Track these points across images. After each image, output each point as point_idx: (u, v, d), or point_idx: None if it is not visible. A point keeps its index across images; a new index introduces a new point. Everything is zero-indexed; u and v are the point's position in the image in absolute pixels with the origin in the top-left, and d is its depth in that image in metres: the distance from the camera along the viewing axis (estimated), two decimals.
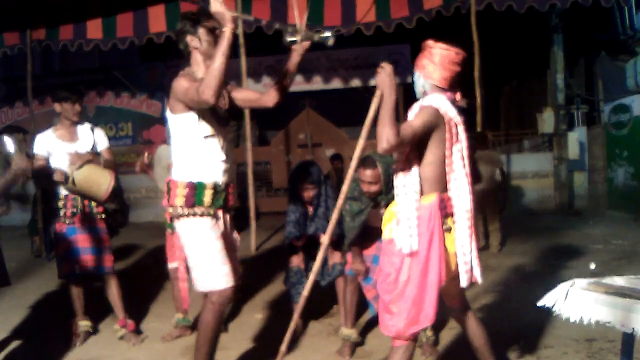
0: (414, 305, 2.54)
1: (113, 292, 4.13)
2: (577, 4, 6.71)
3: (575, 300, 2.21)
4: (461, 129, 2.63)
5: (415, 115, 2.59)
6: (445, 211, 2.59)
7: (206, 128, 2.90)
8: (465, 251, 2.60)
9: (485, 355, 2.84)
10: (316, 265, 2.94)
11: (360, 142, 2.83)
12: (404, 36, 8.21)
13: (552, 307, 2.26)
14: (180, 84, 2.83)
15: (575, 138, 8.76)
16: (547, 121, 8.71)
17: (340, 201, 2.88)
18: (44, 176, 4.03)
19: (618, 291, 2.15)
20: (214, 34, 2.87)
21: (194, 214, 2.89)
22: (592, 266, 4.82)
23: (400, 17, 6.69)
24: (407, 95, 9.71)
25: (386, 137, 2.43)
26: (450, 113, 2.60)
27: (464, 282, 2.61)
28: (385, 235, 2.72)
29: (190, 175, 2.91)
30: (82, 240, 4.03)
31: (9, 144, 3.12)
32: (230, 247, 3.03)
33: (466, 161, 2.63)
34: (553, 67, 8.64)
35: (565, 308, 2.23)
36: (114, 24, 6.89)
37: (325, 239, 2.89)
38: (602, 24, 8.92)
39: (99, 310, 4.45)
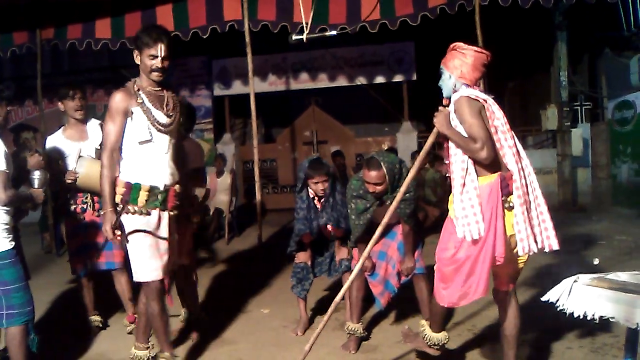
0: (469, 280, 2.69)
1: (123, 287, 4.18)
2: (581, 1, 6.74)
3: (579, 296, 2.25)
4: (496, 107, 2.72)
5: (461, 115, 2.68)
6: (507, 190, 2.67)
7: (142, 134, 3.04)
8: (518, 220, 2.64)
9: (511, 345, 2.90)
10: (357, 267, 3.11)
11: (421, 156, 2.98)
12: (408, 34, 8.22)
13: (556, 302, 2.30)
14: (109, 109, 3.06)
15: (579, 135, 8.75)
16: (550, 118, 8.69)
17: (392, 208, 2.96)
18: (58, 177, 4.04)
19: (622, 287, 2.18)
20: (151, 60, 3.03)
21: (127, 212, 3.05)
22: (596, 262, 4.84)
23: (405, 14, 6.71)
24: (410, 92, 9.74)
25: (474, 150, 2.60)
26: (482, 95, 2.70)
27: (520, 251, 2.67)
28: (451, 213, 2.82)
29: (130, 176, 3.06)
30: (92, 236, 4.08)
31: (37, 179, 3.41)
32: (166, 245, 3.17)
33: (508, 135, 2.70)
34: (557, 64, 8.64)
35: (569, 303, 2.27)
36: (122, 23, 6.92)
37: (367, 249, 3.05)
38: (606, 21, 8.91)
39: (108, 306, 4.51)
